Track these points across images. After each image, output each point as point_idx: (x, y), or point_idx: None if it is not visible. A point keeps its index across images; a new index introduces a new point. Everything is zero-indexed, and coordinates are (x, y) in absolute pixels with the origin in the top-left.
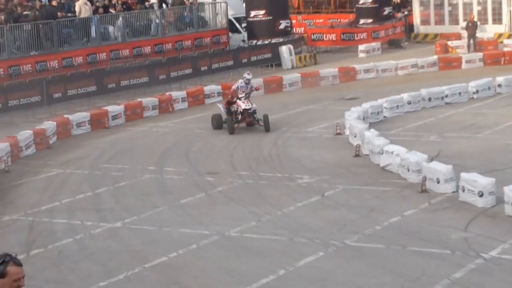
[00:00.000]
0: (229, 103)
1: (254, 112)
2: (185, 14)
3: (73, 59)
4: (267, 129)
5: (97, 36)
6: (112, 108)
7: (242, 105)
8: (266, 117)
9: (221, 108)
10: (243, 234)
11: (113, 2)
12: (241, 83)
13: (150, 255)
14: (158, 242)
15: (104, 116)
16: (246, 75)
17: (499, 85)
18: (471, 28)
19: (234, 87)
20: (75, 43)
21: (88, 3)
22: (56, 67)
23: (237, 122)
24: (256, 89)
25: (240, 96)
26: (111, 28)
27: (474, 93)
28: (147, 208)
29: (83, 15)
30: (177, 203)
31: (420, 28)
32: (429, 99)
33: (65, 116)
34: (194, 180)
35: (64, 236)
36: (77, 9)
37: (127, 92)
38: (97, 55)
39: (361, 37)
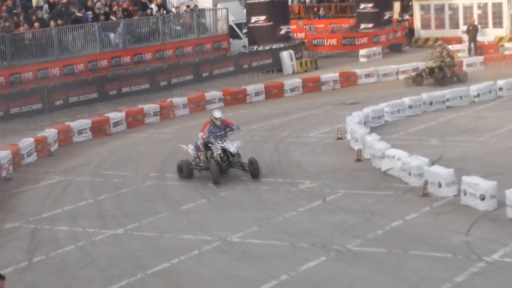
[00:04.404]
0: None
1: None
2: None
3: (75, 66)
4: (255, 175)
5: (98, 43)
6: (114, 115)
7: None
8: (255, 162)
9: (189, 152)
10: (244, 240)
11: (113, 9)
12: (210, 126)
13: (151, 262)
14: (159, 248)
15: (106, 123)
16: (215, 114)
17: (500, 89)
18: (472, 31)
19: (204, 133)
20: (75, 50)
21: None
22: (58, 74)
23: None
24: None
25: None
26: (112, 35)
27: (475, 96)
28: (149, 214)
29: None
30: (178, 209)
31: (420, 32)
32: (430, 103)
33: (67, 123)
34: (196, 186)
35: (66, 243)
36: None
37: (128, 98)
38: (99, 62)
39: (362, 41)
